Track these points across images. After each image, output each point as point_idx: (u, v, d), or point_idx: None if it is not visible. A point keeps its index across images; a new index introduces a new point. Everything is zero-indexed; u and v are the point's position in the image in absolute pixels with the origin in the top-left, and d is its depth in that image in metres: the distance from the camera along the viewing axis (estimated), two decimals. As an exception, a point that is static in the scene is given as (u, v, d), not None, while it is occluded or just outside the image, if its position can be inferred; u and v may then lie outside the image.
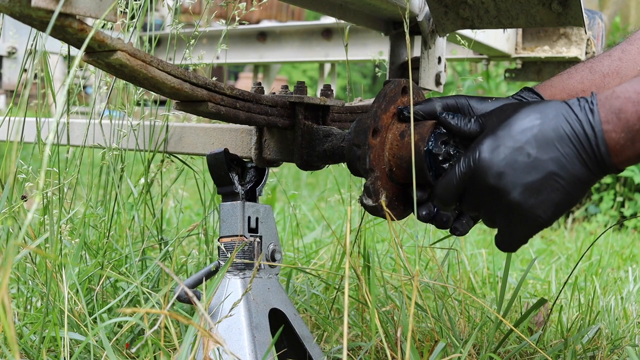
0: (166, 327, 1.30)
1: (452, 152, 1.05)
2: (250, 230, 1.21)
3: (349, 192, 1.94)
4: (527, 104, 0.97)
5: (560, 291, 1.62)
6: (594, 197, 4.89)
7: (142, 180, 1.69)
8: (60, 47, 1.70)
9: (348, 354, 1.39)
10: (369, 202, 1.06)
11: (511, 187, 0.94)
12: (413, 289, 0.96)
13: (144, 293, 1.29)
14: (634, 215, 4.70)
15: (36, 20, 0.79)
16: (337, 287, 1.68)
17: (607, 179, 4.85)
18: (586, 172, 0.92)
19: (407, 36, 1.15)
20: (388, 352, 0.94)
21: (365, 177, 1.07)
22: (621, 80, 1.12)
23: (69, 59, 1.58)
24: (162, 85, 0.98)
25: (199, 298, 1.14)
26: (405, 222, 2.18)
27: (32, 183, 1.50)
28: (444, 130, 1.06)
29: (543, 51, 2.13)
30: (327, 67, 3.76)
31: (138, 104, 1.70)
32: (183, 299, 1.14)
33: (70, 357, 1.16)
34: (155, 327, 0.91)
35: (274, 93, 1.26)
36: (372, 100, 1.25)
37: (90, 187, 1.77)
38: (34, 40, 1.42)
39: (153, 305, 1.28)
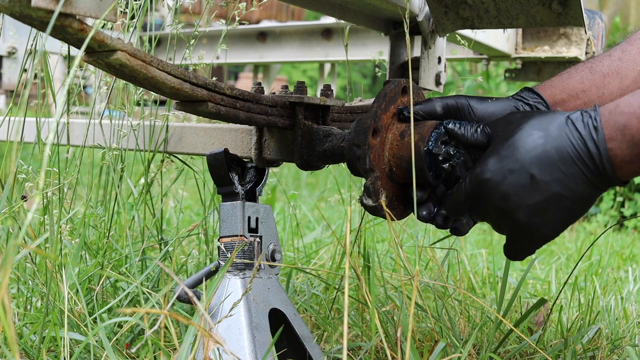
0: (166, 327, 1.30)
1: (452, 152, 1.05)
2: (250, 230, 1.21)
3: (349, 192, 1.94)
4: (531, 117, 0.96)
5: (560, 291, 1.62)
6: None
7: (142, 180, 1.69)
8: (60, 47, 1.70)
9: (348, 354, 1.39)
10: (369, 202, 1.06)
11: (516, 208, 0.95)
12: (413, 289, 0.96)
13: (144, 293, 1.29)
14: (634, 215, 4.70)
15: (36, 20, 0.79)
16: (337, 287, 1.68)
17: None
18: (590, 189, 0.92)
19: (407, 36, 1.15)
20: (388, 352, 0.94)
21: (365, 177, 1.07)
22: (621, 80, 1.12)
23: (69, 59, 1.58)
24: (162, 85, 0.98)
25: (199, 298, 1.14)
26: (405, 222, 2.18)
27: (32, 183, 1.50)
28: (444, 131, 1.06)
29: (543, 51, 2.13)
30: (327, 67, 3.76)
31: (138, 104, 1.70)
32: (183, 299, 1.14)
33: (70, 357, 1.15)
34: (155, 327, 0.91)
35: (274, 93, 1.26)
36: (372, 100, 1.25)
37: (90, 187, 1.77)
38: (34, 40, 1.42)
39: (153, 305, 1.28)
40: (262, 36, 2.58)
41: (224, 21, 1.70)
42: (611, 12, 6.30)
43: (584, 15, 1.28)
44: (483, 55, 2.24)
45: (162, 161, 1.69)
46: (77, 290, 1.33)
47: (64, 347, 1.14)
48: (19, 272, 1.56)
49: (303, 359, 1.21)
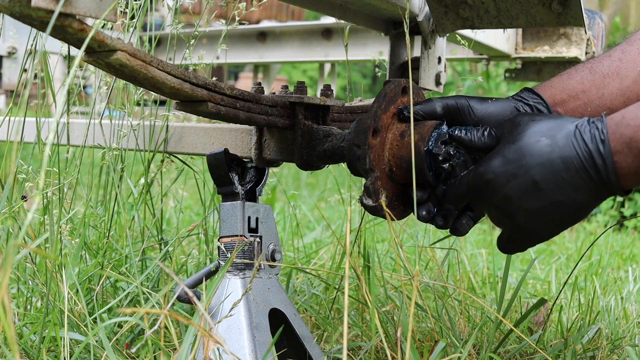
0: (166, 327, 1.30)
1: (452, 152, 1.05)
2: (250, 230, 1.21)
3: (349, 192, 1.94)
4: (539, 121, 0.97)
5: (560, 291, 1.62)
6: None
7: (142, 180, 1.69)
8: (60, 47, 1.70)
9: (348, 354, 1.39)
10: (369, 202, 1.06)
11: (516, 211, 0.96)
12: (413, 289, 0.96)
13: (144, 293, 1.29)
14: (634, 215, 4.70)
15: (36, 20, 0.79)
16: (337, 287, 1.68)
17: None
18: (592, 198, 0.93)
19: (407, 36, 1.15)
20: (388, 352, 0.94)
21: (365, 177, 1.07)
22: (621, 81, 1.12)
23: (69, 59, 1.58)
24: (162, 85, 0.98)
25: (199, 298, 1.13)
26: (405, 222, 2.18)
27: (32, 183, 1.50)
28: (444, 131, 1.06)
29: (543, 51, 2.13)
30: (327, 67, 3.76)
31: (138, 104, 1.70)
32: (183, 299, 1.14)
33: (70, 357, 1.15)
34: (155, 327, 0.91)
35: (274, 93, 1.26)
36: (372, 100, 1.25)
37: (90, 187, 1.77)
38: (34, 40, 1.42)
39: (153, 305, 1.28)
40: (262, 36, 2.58)
41: (224, 21, 1.70)
42: (611, 12, 6.30)
43: (584, 15, 1.28)
44: (483, 55, 2.24)
45: (162, 161, 1.69)
46: (77, 290, 1.33)
47: (64, 347, 1.14)
48: (19, 272, 1.56)
49: (303, 359, 1.21)
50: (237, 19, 1.63)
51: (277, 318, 1.20)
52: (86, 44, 0.82)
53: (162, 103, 1.78)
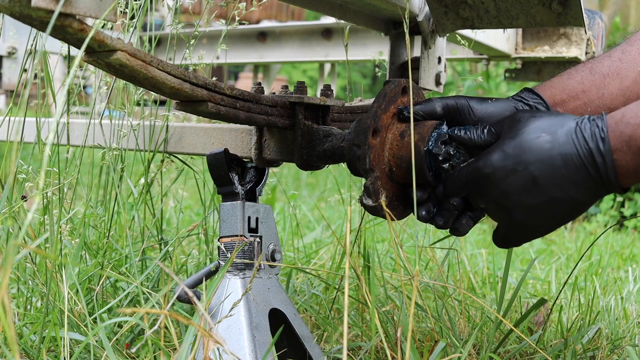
0: (166, 327, 1.30)
1: (452, 152, 1.05)
2: (250, 230, 1.21)
3: (349, 192, 1.94)
4: (540, 118, 0.97)
5: (560, 291, 1.62)
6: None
7: (142, 180, 1.69)
8: (60, 47, 1.70)
9: (348, 354, 1.39)
10: (369, 202, 1.06)
11: (514, 207, 0.97)
12: (413, 289, 0.96)
13: (144, 293, 1.29)
14: (634, 215, 4.70)
15: (36, 20, 0.79)
16: (337, 287, 1.68)
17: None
18: (590, 196, 0.94)
19: (407, 36, 1.15)
20: (388, 352, 0.94)
21: (365, 177, 1.07)
22: (621, 81, 1.12)
23: (69, 59, 1.58)
24: (162, 85, 0.98)
25: (199, 298, 1.13)
26: (405, 222, 2.18)
27: (32, 183, 1.50)
28: (444, 131, 1.06)
29: (543, 51, 2.13)
30: (327, 67, 3.76)
31: (138, 104, 1.70)
32: (183, 299, 1.14)
33: (70, 357, 1.15)
34: (155, 327, 0.91)
35: (274, 93, 1.26)
36: (372, 100, 1.25)
37: (90, 187, 1.77)
38: (34, 40, 1.42)
39: (153, 305, 1.28)
40: (262, 36, 2.58)
41: (224, 21, 1.70)
42: (611, 12, 6.30)
43: (584, 15, 1.28)
44: (483, 55, 2.24)
45: (162, 161, 1.69)
46: (77, 290, 1.33)
47: (64, 347, 1.14)
48: (19, 272, 1.56)
49: (303, 359, 1.21)
50: (237, 19, 1.63)
51: (277, 318, 1.20)
52: (86, 44, 0.82)
53: (162, 103, 1.78)
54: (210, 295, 1.08)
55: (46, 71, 1.54)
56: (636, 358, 1.13)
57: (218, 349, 1.06)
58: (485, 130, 1.03)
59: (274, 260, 1.23)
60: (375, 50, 2.31)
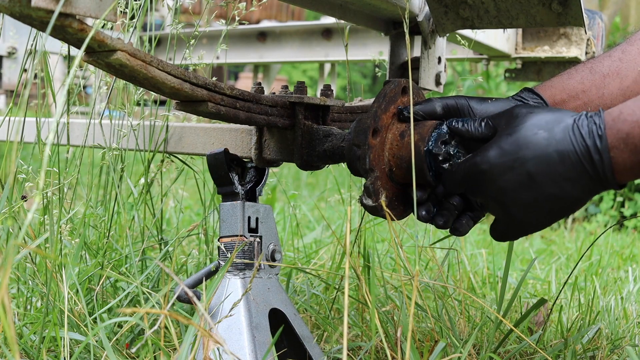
0: (166, 327, 1.30)
1: (452, 152, 1.05)
2: (250, 230, 1.21)
3: (349, 192, 1.94)
4: (537, 114, 0.97)
5: (560, 291, 1.62)
6: (594, 197, 4.89)
7: (142, 180, 1.69)
8: (60, 47, 1.70)
9: (348, 354, 1.39)
10: (369, 202, 1.06)
11: (510, 203, 0.97)
12: (413, 289, 0.96)
13: (144, 293, 1.29)
14: (634, 215, 4.70)
15: (36, 20, 0.79)
16: (337, 287, 1.68)
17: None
18: (586, 192, 0.94)
19: (407, 36, 1.15)
20: (388, 352, 0.94)
21: (365, 177, 1.07)
22: (621, 81, 1.12)
23: (69, 59, 1.58)
24: (162, 85, 0.98)
25: (199, 298, 1.13)
26: (405, 222, 2.18)
27: (32, 183, 1.50)
28: (444, 131, 1.06)
29: (543, 51, 2.13)
30: (327, 67, 3.76)
31: (138, 104, 1.70)
32: (183, 299, 1.14)
33: (70, 357, 1.15)
34: (155, 327, 0.91)
35: (274, 93, 1.26)
36: (372, 100, 1.25)
37: (90, 187, 1.77)
38: (34, 40, 1.42)
39: (153, 305, 1.28)
40: (262, 36, 2.58)
41: (224, 21, 1.70)
42: (611, 12, 6.30)
43: (584, 15, 1.28)
44: (483, 55, 2.24)
45: (162, 161, 1.69)
46: (77, 290, 1.33)
47: (64, 347, 1.14)
48: (19, 272, 1.56)
49: (303, 359, 1.21)
50: (237, 19, 1.63)
51: (277, 318, 1.20)
52: (86, 44, 0.82)
53: (162, 103, 1.78)
54: (210, 295, 1.08)
55: (46, 71, 1.54)
56: (636, 358, 1.13)
57: (218, 349, 1.06)
58: (483, 124, 1.03)
59: (274, 260, 1.23)
60: (375, 50, 2.31)
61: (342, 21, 1.54)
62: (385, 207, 1.06)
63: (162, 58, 1.03)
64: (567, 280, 1.61)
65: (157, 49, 2.52)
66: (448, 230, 1.10)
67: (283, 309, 1.21)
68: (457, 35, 1.80)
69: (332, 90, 1.28)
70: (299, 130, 1.21)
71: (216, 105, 1.06)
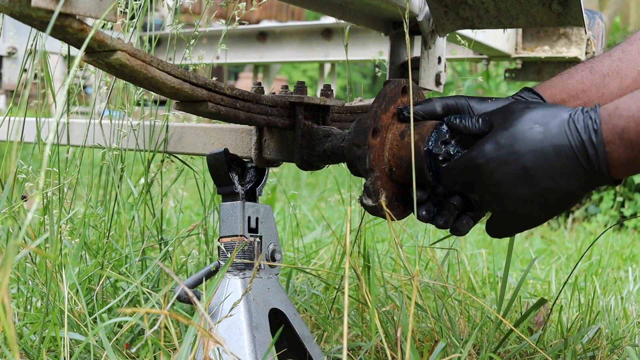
0: (166, 327, 1.30)
1: (452, 152, 1.05)
2: (250, 230, 1.21)
3: (349, 192, 1.94)
4: (533, 109, 0.97)
5: (560, 291, 1.62)
6: (594, 197, 4.89)
7: (142, 180, 1.69)
8: (60, 47, 1.70)
9: (348, 354, 1.39)
10: (369, 202, 1.06)
11: (505, 197, 0.97)
12: (413, 289, 0.96)
13: (144, 293, 1.29)
14: (634, 215, 4.70)
15: (36, 20, 0.79)
16: (337, 287, 1.68)
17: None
18: (581, 187, 0.94)
19: (407, 36, 1.15)
20: (388, 352, 0.94)
21: (365, 177, 1.07)
22: (621, 80, 1.12)
23: (69, 59, 1.58)
24: (162, 85, 0.98)
25: (199, 298, 1.13)
26: (405, 222, 2.18)
27: (32, 183, 1.50)
28: (444, 130, 1.06)
29: (543, 51, 2.13)
30: (327, 67, 3.76)
31: (138, 104, 1.70)
32: (183, 299, 1.14)
33: (70, 357, 1.15)
34: (155, 327, 0.91)
35: (274, 93, 1.26)
36: (372, 100, 1.25)
37: (90, 187, 1.77)
38: (34, 40, 1.42)
39: (153, 305, 1.28)
40: (262, 36, 2.58)
41: (224, 21, 1.70)
42: (611, 12, 6.30)
43: (584, 15, 1.28)
44: (483, 55, 2.24)
45: (162, 161, 1.69)
46: (77, 290, 1.33)
47: (64, 347, 1.14)
48: (19, 272, 1.56)
49: (303, 359, 1.21)
50: (237, 19, 1.63)
51: (277, 318, 1.20)
52: (86, 44, 0.82)
53: (162, 103, 1.78)
54: (210, 295, 1.08)
55: (46, 71, 1.54)
56: (636, 358, 1.13)
57: (218, 349, 1.06)
58: (480, 119, 1.03)
59: (274, 260, 1.23)
60: (375, 50, 2.31)
61: (342, 21, 1.54)
62: (385, 207, 1.06)
63: (162, 58, 1.03)
64: (567, 280, 1.61)
65: (157, 49, 2.52)
66: (448, 230, 1.10)
67: (283, 309, 1.21)
68: (457, 35, 1.80)
69: (332, 90, 1.28)
70: (299, 130, 1.21)
71: (216, 105, 1.06)
